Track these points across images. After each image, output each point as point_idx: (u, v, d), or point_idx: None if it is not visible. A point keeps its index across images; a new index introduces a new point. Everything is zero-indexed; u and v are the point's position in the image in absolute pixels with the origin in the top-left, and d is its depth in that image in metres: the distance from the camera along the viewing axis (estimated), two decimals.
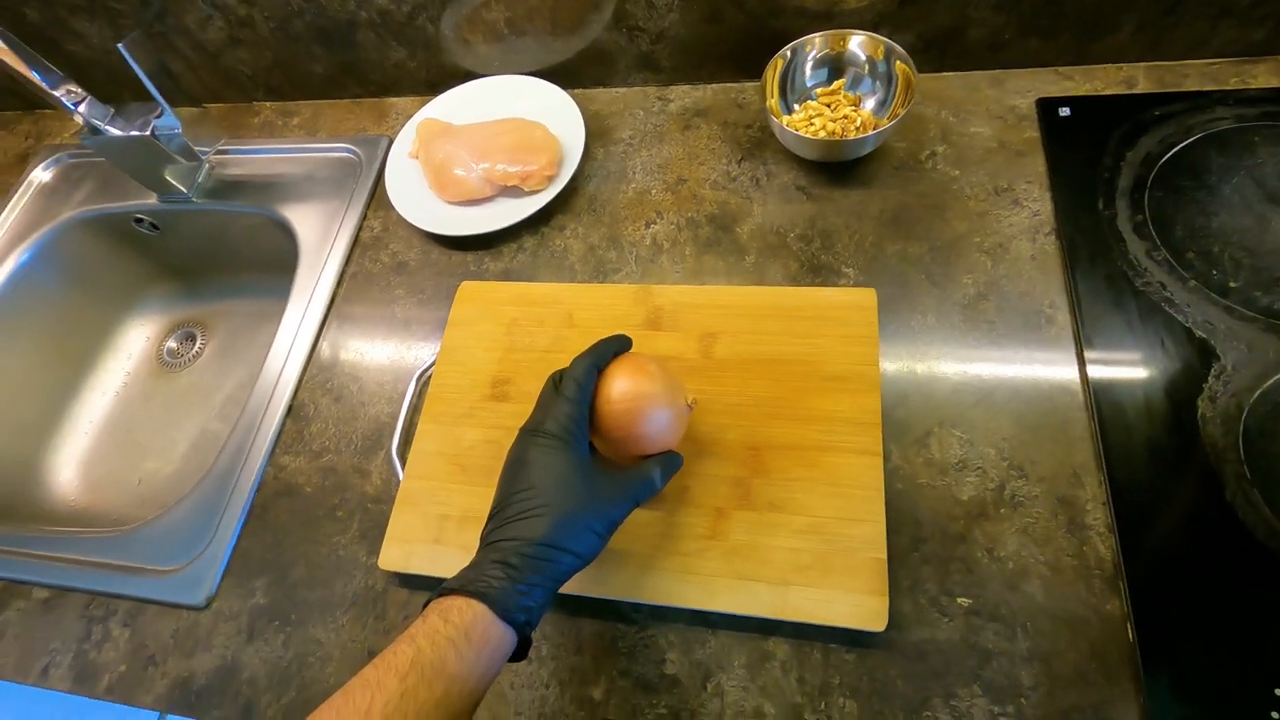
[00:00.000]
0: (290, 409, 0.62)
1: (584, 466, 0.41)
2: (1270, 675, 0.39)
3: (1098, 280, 0.53)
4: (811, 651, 0.45)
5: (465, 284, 0.63)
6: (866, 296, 0.55)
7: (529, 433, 0.43)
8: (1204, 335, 0.50)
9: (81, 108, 0.67)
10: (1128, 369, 0.49)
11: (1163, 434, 0.47)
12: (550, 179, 0.66)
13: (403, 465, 0.56)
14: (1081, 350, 0.51)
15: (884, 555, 0.45)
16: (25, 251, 0.79)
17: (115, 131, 0.68)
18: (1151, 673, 0.40)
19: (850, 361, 0.52)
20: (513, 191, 0.67)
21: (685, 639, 0.47)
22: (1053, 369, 0.51)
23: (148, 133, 0.67)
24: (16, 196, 0.83)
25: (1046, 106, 0.62)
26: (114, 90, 0.73)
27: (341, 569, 0.54)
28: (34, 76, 0.64)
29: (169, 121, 0.67)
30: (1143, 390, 0.48)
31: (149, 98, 0.66)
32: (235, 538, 0.57)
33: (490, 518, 0.41)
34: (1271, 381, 0.47)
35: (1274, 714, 0.38)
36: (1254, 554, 0.43)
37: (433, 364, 0.60)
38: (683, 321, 0.57)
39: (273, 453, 0.60)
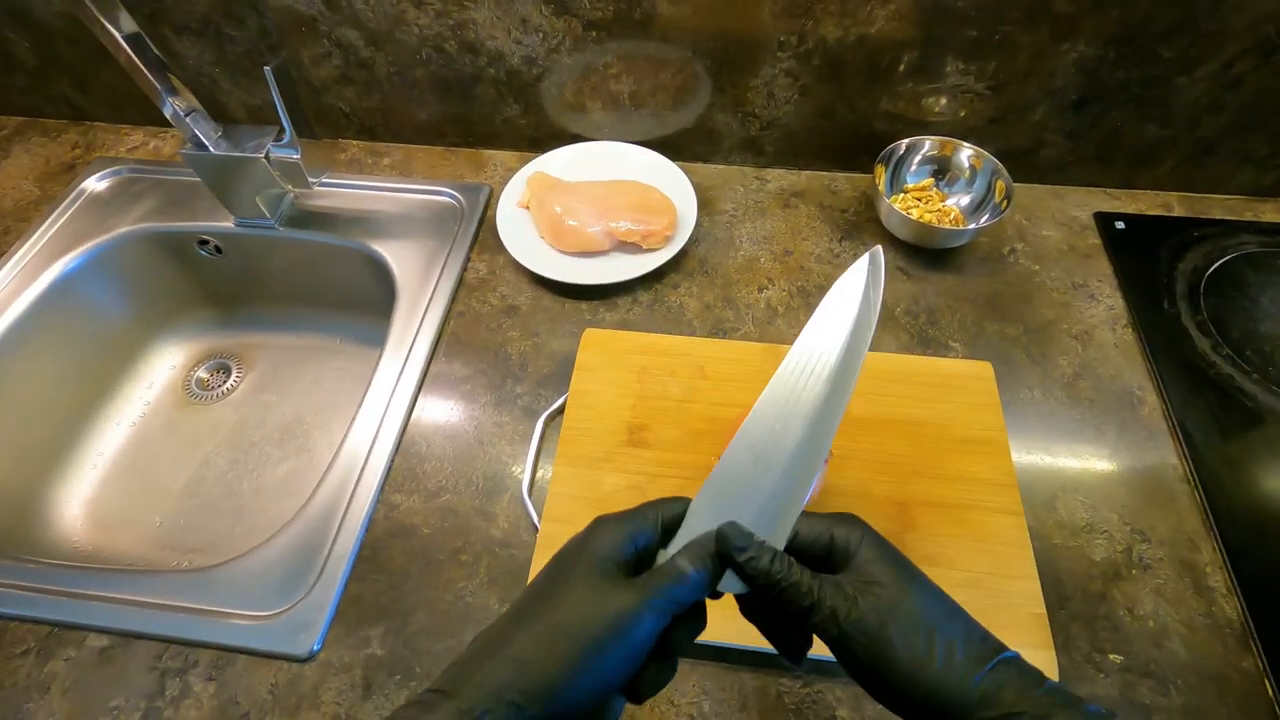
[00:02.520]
0: (399, 445, 0.59)
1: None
2: None
3: (1177, 369, 0.61)
4: None
5: (590, 330, 0.63)
6: (984, 369, 0.60)
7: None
8: (1274, 421, 0.57)
9: (189, 120, 0.65)
10: (1220, 447, 0.56)
11: (1263, 506, 0.53)
12: (668, 239, 0.69)
13: (536, 509, 0.54)
14: (1174, 429, 0.57)
15: (1044, 610, 0.47)
16: (74, 260, 0.73)
17: (220, 151, 0.66)
18: None
19: (979, 427, 0.56)
20: (628, 248, 0.70)
21: (854, 695, 0.47)
22: (1152, 445, 0.57)
23: (261, 155, 0.66)
24: (65, 205, 0.77)
25: (1104, 219, 0.72)
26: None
27: (470, 617, 0.50)
28: (153, 80, 0.62)
29: (287, 148, 0.66)
30: (1235, 466, 0.55)
31: (226, 121, 0.66)
32: (344, 581, 0.52)
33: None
34: None
35: None
36: None
37: (560, 406, 0.59)
38: None
39: (382, 491, 0.57)
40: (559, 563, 0.31)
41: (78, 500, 0.73)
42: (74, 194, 0.78)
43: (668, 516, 0.32)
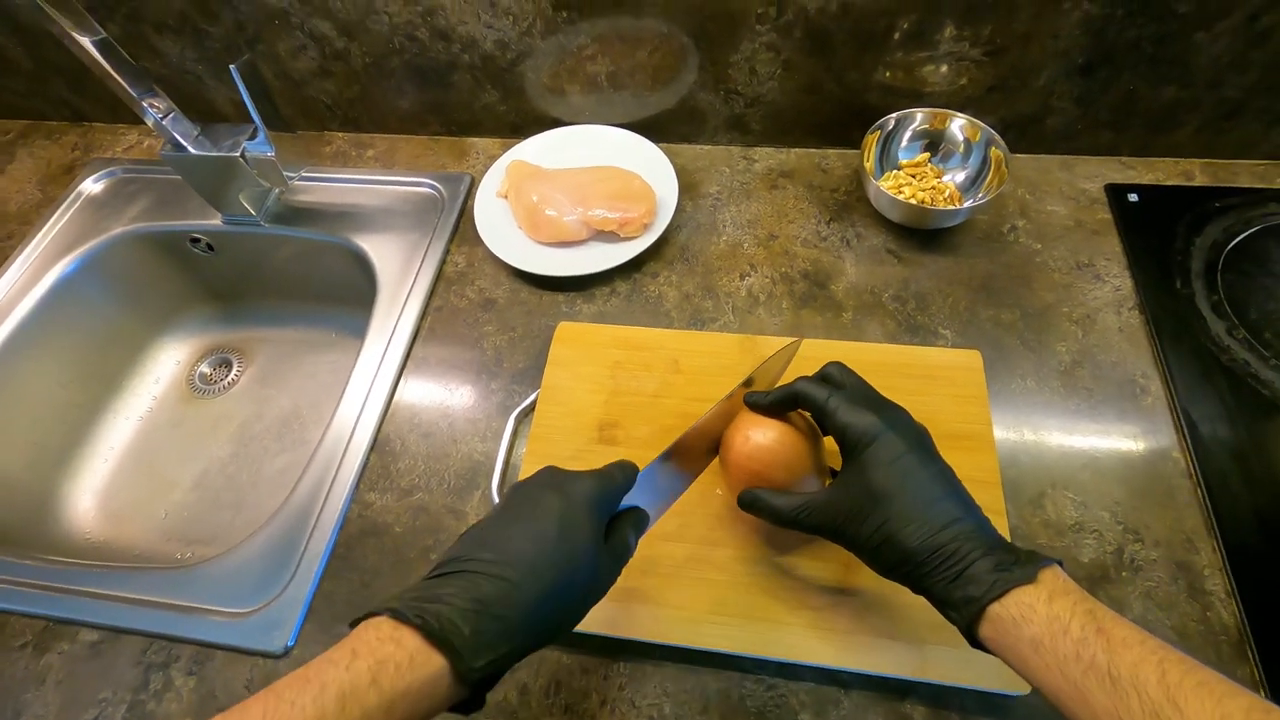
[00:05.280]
0: (374, 443, 0.59)
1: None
2: None
3: (1185, 354, 0.56)
4: (949, 715, 0.45)
5: (564, 324, 0.62)
6: (972, 358, 0.57)
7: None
8: None
9: (166, 122, 0.65)
10: (1227, 440, 0.52)
11: (1270, 504, 0.49)
12: (647, 227, 0.67)
13: None
14: (1179, 420, 0.54)
15: None
16: (71, 263, 0.76)
17: (198, 150, 0.67)
18: None
19: (963, 420, 0.54)
20: (606, 237, 0.68)
21: (817, 699, 0.46)
22: (1153, 437, 0.54)
23: (237, 154, 0.66)
24: (64, 207, 0.79)
25: (1116, 192, 0.67)
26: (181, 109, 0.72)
27: None
28: (125, 84, 0.62)
29: (261, 145, 0.66)
30: (1243, 461, 0.51)
31: (213, 117, 0.66)
32: (317, 579, 0.53)
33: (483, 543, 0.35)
34: None
35: None
36: None
37: (532, 403, 0.59)
38: (792, 372, 0.57)
39: (357, 489, 0.57)
40: (569, 499, 0.36)
41: (89, 493, 0.76)
42: (71, 196, 0.80)
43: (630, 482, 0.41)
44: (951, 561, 0.35)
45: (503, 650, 0.32)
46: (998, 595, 0.33)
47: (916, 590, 0.37)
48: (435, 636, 0.30)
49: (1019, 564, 0.34)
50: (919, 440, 0.40)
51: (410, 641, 0.30)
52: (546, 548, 0.34)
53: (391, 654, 0.29)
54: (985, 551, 0.35)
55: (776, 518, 0.42)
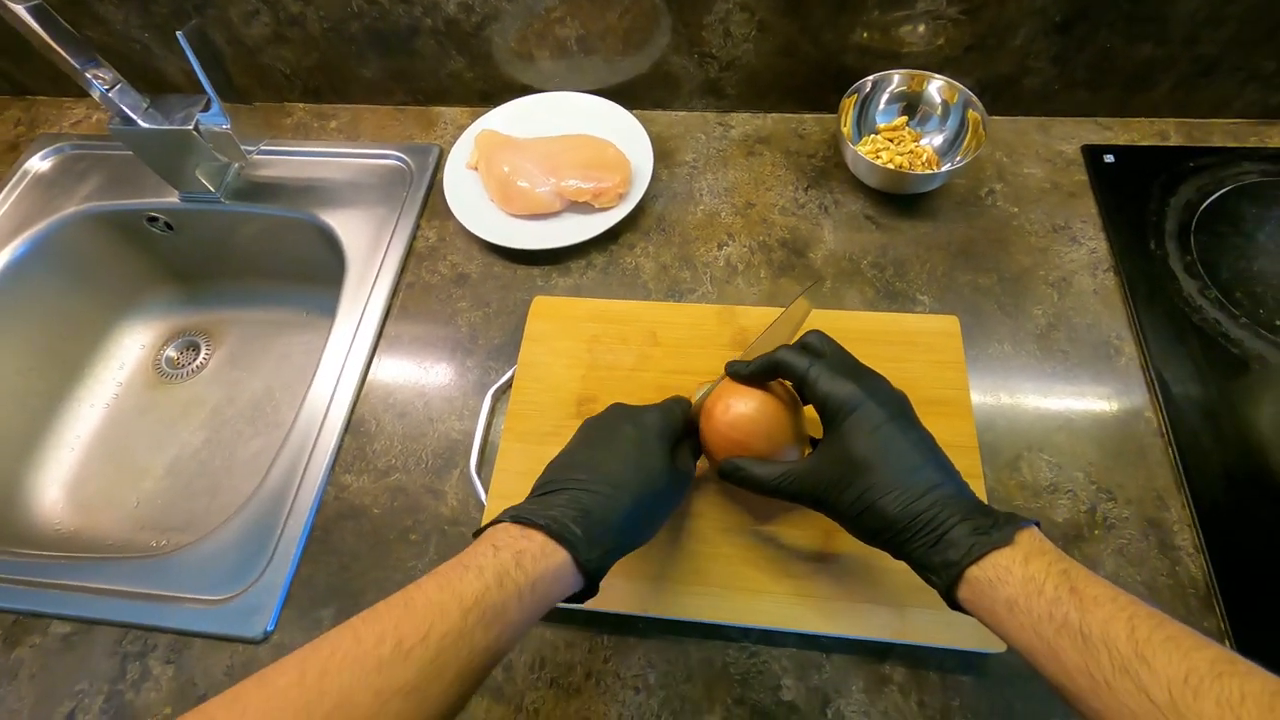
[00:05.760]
0: (349, 425, 0.58)
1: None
2: None
3: (1158, 315, 0.57)
4: (928, 674, 0.45)
5: (539, 299, 0.61)
6: (950, 323, 0.56)
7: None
8: (1259, 368, 0.54)
9: (113, 94, 0.62)
10: (1197, 399, 0.53)
11: (1237, 461, 0.50)
12: (622, 197, 0.66)
13: (483, 485, 0.53)
14: (1151, 380, 0.54)
15: None
16: (20, 246, 0.72)
17: (149, 124, 0.63)
18: None
19: (941, 386, 0.54)
20: (580, 208, 0.66)
21: (799, 663, 0.46)
22: (1126, 397, 0.54)
23: (190, 126, 0.63)
24: (9, 188, 0.76)
25: (1092, 153, 0.66)
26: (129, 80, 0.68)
27: None
28: (65, 54, 0.59)
29: (216, 117, 0.63)
30: (1214, 419, 0.52)
31: (164, 89, 0.62)
32: (295, 563, 0.52)
33: (574, 465, 0.41)
34: None
35: None
36: None
37: (509, 379, 0.58)
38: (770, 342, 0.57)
39: (332, 471, 0.56)
40: (642, 428, 0.42)
41: (57, 484, 0.74)
42: (17, 175, 0.76)
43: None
44: (931, 527, 0.35)
45: (610, 547, 0.37)
46: (975, 558, 0.33)
47: (897, 556, 0.38)
48: (557, 535, 0.35)
49: (996, 527, 0.34)
50: (899, 408, 0.40)
51: (538, 538, 0.35)
52: (629, 467, 0.40)
53: (526, 547, 0.35)
54: (964, 516, 0.35)
55: (758, 486, 0.42)
